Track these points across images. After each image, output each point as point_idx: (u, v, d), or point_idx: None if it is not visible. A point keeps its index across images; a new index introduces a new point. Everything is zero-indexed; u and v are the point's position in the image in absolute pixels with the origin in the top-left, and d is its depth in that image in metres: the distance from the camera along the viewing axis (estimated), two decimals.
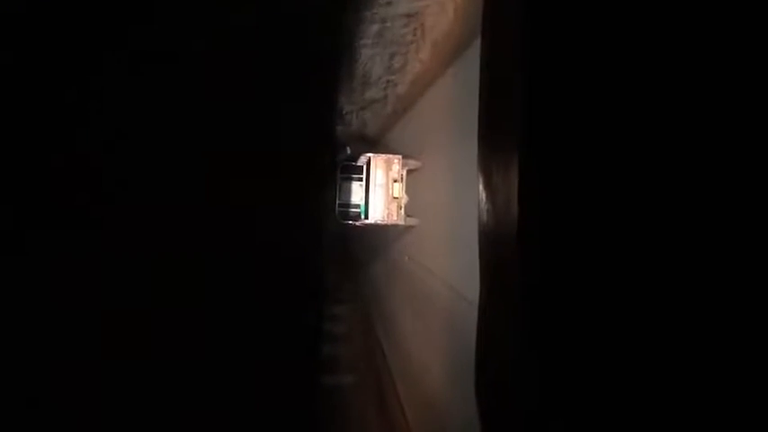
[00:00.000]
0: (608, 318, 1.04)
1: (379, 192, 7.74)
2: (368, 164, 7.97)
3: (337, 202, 8.94)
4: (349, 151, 10.31)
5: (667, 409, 1.01)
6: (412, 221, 7.98)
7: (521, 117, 1.12)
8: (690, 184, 1.02)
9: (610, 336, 1.04)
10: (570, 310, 1.05)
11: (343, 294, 11.28)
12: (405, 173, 8.03)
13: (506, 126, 1.21)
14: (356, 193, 8.79)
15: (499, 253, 1.24)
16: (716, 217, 1.01)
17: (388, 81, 8.75)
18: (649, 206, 1.03)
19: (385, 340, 9.43)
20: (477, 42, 1.47)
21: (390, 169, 7.75)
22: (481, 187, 1.28)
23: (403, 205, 7.96)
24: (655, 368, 1.02)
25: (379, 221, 7.82)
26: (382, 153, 8.08)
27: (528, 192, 1.07)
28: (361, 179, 8.61)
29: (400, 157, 7.85)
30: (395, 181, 7.77)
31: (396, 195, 7.76)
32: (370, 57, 7.95)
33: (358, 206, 8.73)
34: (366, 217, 7.90)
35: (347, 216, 8.89)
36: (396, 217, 7.77)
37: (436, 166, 7.36)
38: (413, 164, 8.04)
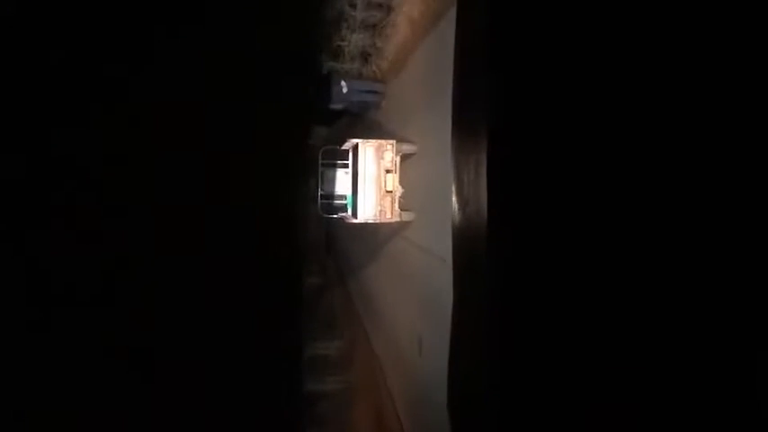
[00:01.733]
0: (575, 328, 1.04)
1: (369, 185, 6.50)
2: (355, 151, 6.70)
3: (319, 192, 7.67)
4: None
5: (629, 413, 1.02)
6: (408, 216, 6.80)
7: (488, 106, 1.09)
8: (665, 186, 1.01)
9: (577, 346, 1.04)
10: (538, 319, 1.05)
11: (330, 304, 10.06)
12: (398, 160, 6.79)
13: (476, 113, 1.18)
14: (341, 182, 7.51)
15: (470, 256, 1.23)
16: (691, 224, 1.02)
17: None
18: (622, 207, 1.03)
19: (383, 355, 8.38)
20: None
21: (382, 157, 6.50)
22: (453, 186, 1.27)
23: (397, 199, 6.74)
24: (620, 379, 1.02)
25: (369, 221, 6.61)
26: (372, 138, 6.80)
27: (496, 192, 1.05)
28: (346, 165, 7.34)
29: (393, 142, 6.59)
30: (387, 171, 6.53)
31: (389, 189, 6.53)
32: None
33: (343, 197, 7.49)
34: (354, 215, 6.67)
35: (331, 209, 7.66)
36: (389, 214, 6.57)
37: (430, 146, 6.14)
38: (407, 148, 6.79)
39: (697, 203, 1.01)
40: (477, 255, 1.16)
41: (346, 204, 7.39)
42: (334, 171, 7.54)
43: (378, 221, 6.62)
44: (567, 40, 1.04)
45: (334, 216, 7.79)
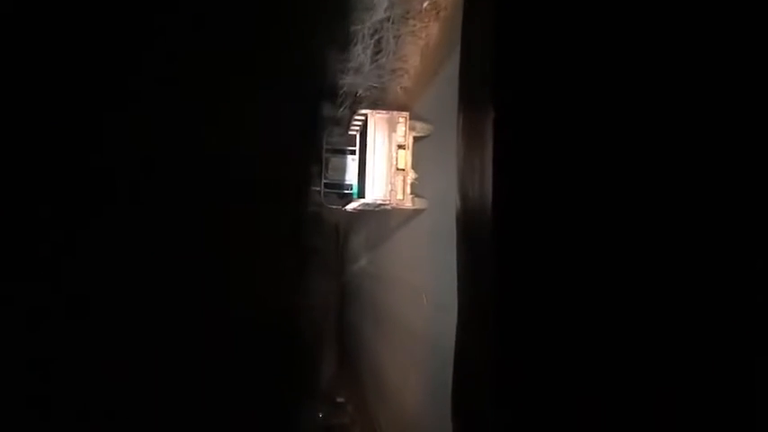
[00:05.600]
0: (579, 330, 1.03)
1: (379, 161, 5.78)
2: (364, 124, 6.01)
3: (323, 180, 6.95)
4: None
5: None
6: (421, 203, 6.04)
7: (495, 86, 1.13)
8: (668, 191, 1.01)
9: (580, 351, 1.02)
10: (542, 322, 1.05)
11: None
12: (411, 139, 6.09)
13: (483, 92, 1.21)
14: (348, 170, 6.80)
15: (475, 256, 1.23)
16: (691, 222, 1.02)
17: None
18: (625, 204, 1.03)
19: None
20: None
21: (394, 131, 5.81)
22: (458, 191, 1.28)
23: (409, 181, 6.00)
24: (621, 382, 1.02)
25: (379, 201, 5.85)
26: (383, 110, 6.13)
27: (501, 201, 1.05)
28: (354, 152, 6.65)
29: (407, 115, 5.91)
30: (400, 147, 5.82)
31: (401, 167, 5.81)
32: None
33: (350, 186, 6.76)
34: (362, 195, 5.93)
35: (335, 199, 6.92)
36: (401, 195, 5.82)
37: (448, 134, 5.43)
38: (421, 128, 6.11)
39: (697, 202, 1.00)
40: (481, 252, 1.14)
41: (352, 194, 6.66)
42: (340, 157, 6.84)
43: (388, 203, 5.86)
44: (571, 27, 1.06)
45: (339, 207, 7.05)
